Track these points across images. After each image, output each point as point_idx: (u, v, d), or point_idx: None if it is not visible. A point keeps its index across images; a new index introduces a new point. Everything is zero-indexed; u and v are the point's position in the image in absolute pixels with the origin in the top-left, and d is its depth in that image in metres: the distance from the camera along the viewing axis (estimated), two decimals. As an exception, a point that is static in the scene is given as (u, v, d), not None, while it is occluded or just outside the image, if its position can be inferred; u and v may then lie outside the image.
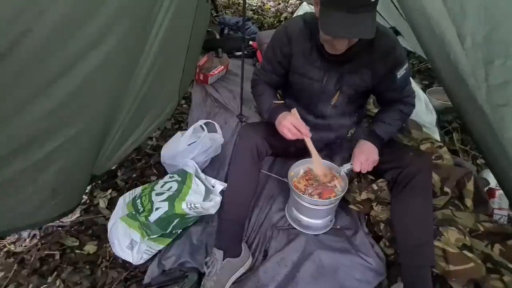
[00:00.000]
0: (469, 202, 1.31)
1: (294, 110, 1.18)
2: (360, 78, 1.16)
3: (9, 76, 0.75)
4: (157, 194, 1.29)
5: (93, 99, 1.01)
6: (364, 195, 1.31)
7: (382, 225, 1.28)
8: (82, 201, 1.48)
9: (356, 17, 0.87)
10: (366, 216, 1.38)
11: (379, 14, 2.42)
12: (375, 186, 1.29)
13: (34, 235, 1.37)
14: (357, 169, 1.17)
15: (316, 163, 1.21)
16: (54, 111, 0.89)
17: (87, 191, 1.56)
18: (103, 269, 1.25)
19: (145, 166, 1.74)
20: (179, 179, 1.34)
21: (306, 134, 1.13)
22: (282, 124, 1.15)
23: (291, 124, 1.13)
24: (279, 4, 4.37)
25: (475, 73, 0.66)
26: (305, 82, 1.20)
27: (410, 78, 1.30)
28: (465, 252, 1.13)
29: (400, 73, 1.15)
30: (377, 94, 1.31)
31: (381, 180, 1.29)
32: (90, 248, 1.32)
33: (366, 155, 1.17)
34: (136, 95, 1.28)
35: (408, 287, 1.07)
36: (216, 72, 2.34)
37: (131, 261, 1.20)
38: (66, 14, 0.77)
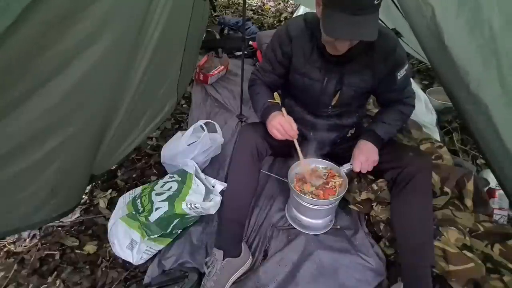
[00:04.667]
0: (469, 202, 1.31)
1: (283, 110, 1.18)
2: (360, 79, 1.16)
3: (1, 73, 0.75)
4: (157, 194, 1.28)
5: (90, 98, 1.00)
6: (364, 195, 1.31)
7: (382, 225, 1.28)
8: (82, 201, 1.48)
9: (360, 19, 0.87)
10: (366, 216, 1.38)
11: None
12: (375, 186, 1.29)
13: (34, 235, 1.37)
14: (357, 169, 1.17)
15: (302, 164, 1.24)
16: (51, 109, 0.89)
17: (87, 191, 1.56)
18: (103, 269, 1.25)
19: (145, 166, 1.74)
20: (179, 179, 1.34)
21: (293, 136, 1.13)
22: (271, 123, 1.15)
23: (279, 124, 1.12)
24: (279, 4, 4.37)
25: (497, 63, 0.66)
26: (305, 82, 1.20)
27: (410, 78, 1.30)
28: (465, 252, 1.13)
29: (401, 73, 1.15)
30: (377, 94, 1.31)
31: (381, 180, 1.30)
32: (90, 248, 1.32)
33: (366, 155, 1.17)
34: (134, 94, 1.28)
35: (408, 287, 1.07)
36: (216, 72, 2.35)
37: (131, 261, 1.20)
38: (61, 9, 0.76)
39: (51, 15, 0.75)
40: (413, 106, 1.28)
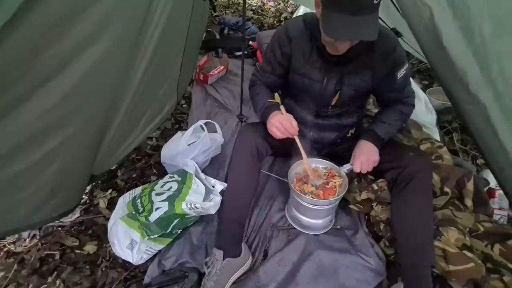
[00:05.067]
0: (469, 202, 1.31)
1: (282, 107, 1.17)
2: (360, 79, 1.17)
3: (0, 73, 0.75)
4: (157, 194, 1.29)
5: (90, 98, 1.01)
6: (364, 195, 1.31)
7: (382, 225, 1.28)
8: (82, 201, 1.48)
9: (359, 19, 0.87)
10: (366, 216, 1.38)
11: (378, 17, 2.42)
12: (375, 186, 1.29)
13: (34, 235, 1.37)
14: (357, 170, 1.18)
15: (305, 161, 1.24)
16: (51, 110, 0.89)
17: (87, 191, 1.56)
18: (103, 269, 1.25)
19: (145, 166, 1.74)
20: (179, 179, 1.34)
21: (293, 133, 1.13)
22: (270, 122, 1.15)
23: (279, 122, 1.12)
24: (279, 4, 4.37)
25: (489, 67, 0.67)
26: (305, 82, 1.20)
27: (410, 78, 1.30)
28: (465, 252, 1.13)
29: (401, 73, 1.15)
30: (377, 94, 1.31)
31: (381, 180, 1.30)
32: (90, 248, 1.32)
33: (366, 155, 1.17)
34: (134, 94, 1.28)
35: (409, 287, 1.07)
36: (216, 72, 2.35)
37: (131, 261, 1.20)
38: (60, 10, 0.76)
39: (50, 16, 0.75)
40: (413, 106, 1.28)
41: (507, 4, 0.64)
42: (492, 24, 0.65)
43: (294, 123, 1.13)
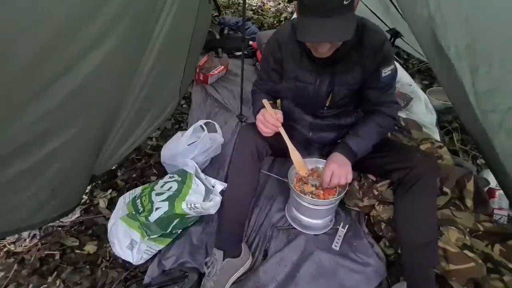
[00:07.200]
0: (469, 203, 1.31)
1: (265, 101, 1.16)
2: (351, 76, 1.15)
3: (9, 75, 0.75)
4: (157, 194, 1.29)
5: (93, 99, 1.01)
6: (366, 202, 1.31)
7: (383, 225, 1.28)
8: (82, 201, 1.48)
9: (330, 21, 0.87)
10: (366, 216, 1.38)
11: (377, 17, 2.42)
12: (375, 192, 1.29)
13: (34, 235, 1.37)
14: (326, 179, 1.12)
15: (292, 153, 1.21)
16: (54, 111, 0.89)
17: (87, 191, 1.56)
18: (103, 269, 1.25)
19: (145, 166, 1.74)
20: (179, 179, 1.34)
21: (273, 124, 1.11)
22: (256, 119, 1.15)
23: (262, 116, 1.12)
24: (279, 4, 4.37)
25: (464, 80, 0.67)
26: (298, 85, 1.21)
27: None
28: (466, 251, 1.13)
29: (385, 72, 1.12)
30: (361, 91, 1.24)
31: (380, 184, 1.30)
32: (90, 248, 1.32)
33: (337, 164, 1.12)
34: (137, 95, 1.28)
35: (413, 287, 1.07)
36: (216, 72, 2.35)
37: (131, 261, 1.20)
38: (68, 14, 0.77)
39: (60, 18, 0.75)
40: (394, 118, 1.20)
41: (484, 22, 0.64)
42: (467, 40, 0.65)
43: (279, 116, 1.12)
